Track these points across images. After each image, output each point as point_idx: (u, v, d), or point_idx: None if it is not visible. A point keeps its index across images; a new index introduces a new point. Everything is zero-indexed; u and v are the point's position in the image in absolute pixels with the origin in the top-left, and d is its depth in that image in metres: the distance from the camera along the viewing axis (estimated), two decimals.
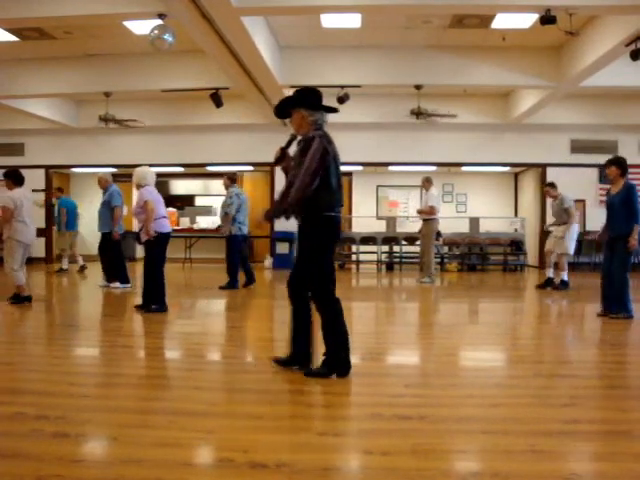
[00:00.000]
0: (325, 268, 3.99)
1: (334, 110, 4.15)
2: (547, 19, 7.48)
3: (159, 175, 17.63)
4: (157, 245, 6.92)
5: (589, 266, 13.85)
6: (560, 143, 14.25)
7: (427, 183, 10.63)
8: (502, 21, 9.27)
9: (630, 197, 6.47)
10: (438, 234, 13.96)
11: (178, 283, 11.54)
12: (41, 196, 14.91)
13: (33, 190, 14.97)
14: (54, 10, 7.74)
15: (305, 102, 4.06)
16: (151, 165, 15.67)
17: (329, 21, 9.37)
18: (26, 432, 2.94)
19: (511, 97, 13.45)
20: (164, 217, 7.04)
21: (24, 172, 15.39)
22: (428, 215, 10.45)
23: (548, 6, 7.42)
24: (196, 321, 7.10)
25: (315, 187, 3.86)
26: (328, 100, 12.78)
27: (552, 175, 14.09)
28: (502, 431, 3.04)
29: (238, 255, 9.44)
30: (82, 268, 12.55)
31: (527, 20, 9.05)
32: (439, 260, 14.12)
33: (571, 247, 9.68)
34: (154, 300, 6.90)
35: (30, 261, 13.87)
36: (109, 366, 4.50)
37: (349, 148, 14.48)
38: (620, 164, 6.67)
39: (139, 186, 7.11)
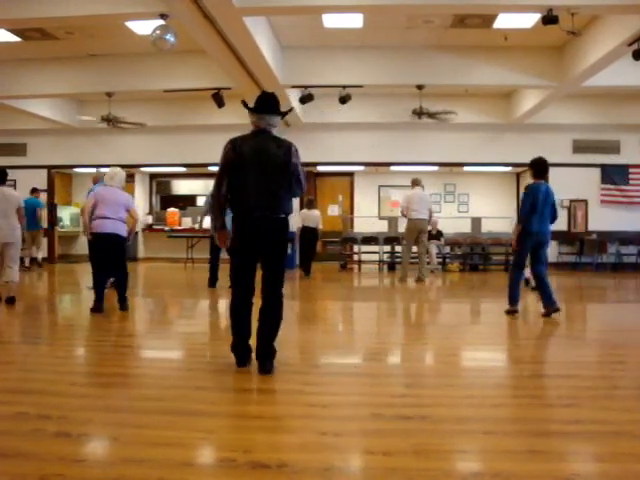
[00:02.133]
0: (232, 265, 4.17)
1: (252, 109, 4.17)
2: (549, 19, 7.47)
3: (161, 175, 17.77)
4: (92, 245, 6.82)
5: (591, 266, 13.84)
6: (562, 143, 14.22)
7: (412, 184, 10.90)
8: (504, 21, 9.26)
9: (522, 198, 6.63)
10: (439, 233, 13.98)
11: (180, 283, 11.55)
12: (43, 196, 14.93)
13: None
14: (56, 10, 7.74)
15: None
16: (153, 165, 15.78)
17: (331, 21, 9.37)
18: (28, 432, 2.94)
19: (513, 97, 13.44)
20: (103, 217, 6.67)
21: (26, 172, 15.56)
22: (404, 215, 10.85)
23: (550, 6, 7.41)
24: (197, 321, 7.10)
25: (226, 190, 4.06)
26: (330, 100, 12.76)
27: (554, 175, 14.08)
28: (503, 431, 3.04)
29: (214, 254, 9.49)
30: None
31: (529, 20, 9.05)
32: (441, 260, 14.12)
33: None
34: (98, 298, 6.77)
35: (30, 260, 13.94)
36: (109, 366, 4.51)
37: (351, 148, 14.56)
38: (532, 165, 6.69)
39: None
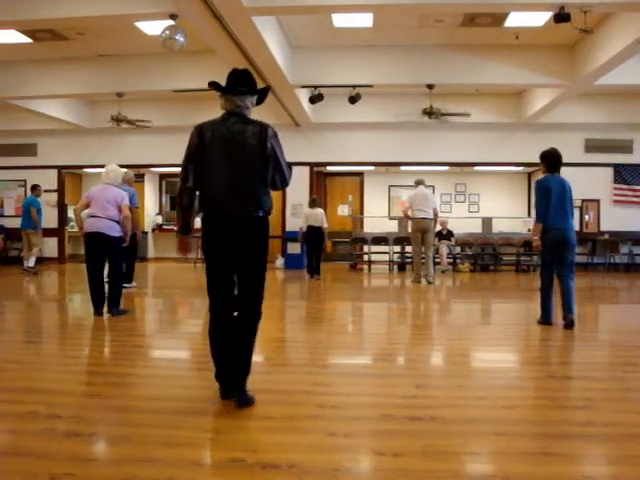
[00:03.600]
0: (207, 272, 3.54)
1: (222, 88, 3.66)
2: (561, 17, 7.41)
3: (171, 175, 17.78)
4: (84, 245, 6.71)
5: (603, 267, 13.74)
6: (574, 142, 14.12)
7: (415, 184, 10.90)
8: (515, 19, 9.20)
9: (535, 194, 6.15)
10: (450, 233, 13.93)
11: (189, 283, 11.56)
12: (53, 196, 15.03)
13: (45, 190, 15.11)
14: (66, 11, 7.77)
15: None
16: (163, 165, 15.79)
17: (341, 21, 9.36)
18: (39, 431, 2.95)
19: (524, 96, 13.37)
20: (92, 216, 6.55)
21: (37, 172, 15.65)
22: (406, 215, 10.89)
23: (562, 4, 7.35)
24: (206, 320, 7.09)
25: (191, 186, 3.56)
26: (340, 100, 12.69)
27: (566, 175, 13.99)
28: (515, 433, 3.01)
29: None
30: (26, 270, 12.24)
31: (541, 18, 8.99)
32: (451, 260, 14.04)
33: None
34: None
35: (41, 260, 14.02)
36: (120, 366, 4.52)
37: (361, 148, 14.55)
38: (543, 158, 6.18)
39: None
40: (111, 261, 6.65)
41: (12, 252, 14.95)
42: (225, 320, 3.49)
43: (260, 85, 3.72)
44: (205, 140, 3.50)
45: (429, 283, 10.53)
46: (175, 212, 2.93)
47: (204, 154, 3.51)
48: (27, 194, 15.28)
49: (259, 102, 3.71)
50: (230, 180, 3.44)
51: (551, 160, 6.14)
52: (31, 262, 12.25)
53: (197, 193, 3.58)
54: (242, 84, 3.59)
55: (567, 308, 5.89)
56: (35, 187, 12.81)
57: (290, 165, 3.64)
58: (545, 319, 6.10)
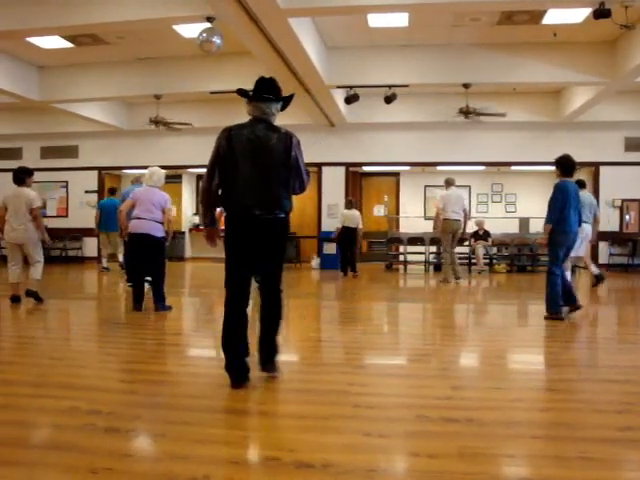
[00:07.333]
0: (226, 267, 3.83)
1: (249, 95, 3.86)
2: (601, 13, 7.26)
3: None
4: (128, 245, 6.98)
5: None
6: (614, 141, 13.82)
7: (446, 184, 10.73)
8: (553, 16, 9.05)
9: (551, 196, 6.46)
10: (487, 234, 13.76)
11: (219, 282, 11.67)
12: (94, 197, 15.36)
13: (86, 191, 15.49)
14: (107, 16, 7.97)
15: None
16: (200, 166, 15.99)
17: (376, 21, 9.35)
18: (80, 426, 3.02)
19: (562, 94, 13.13)
20: (137, 218, 6.74)
21: (78, 174, 16.01)
22: (438, 215, 10.65)
23: None
24: None
25: (217, 185, 3.78)
26: (376, 100, 12.63)
27: (606, 174, 13.74)
28: (552, 436, 2.97)
29: None
30: (104, 269, 12.69)
31: (580, 15, 8.82)
32: (488, 260, 13.85)
33: None
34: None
35: (82, 260, 14.35)
36: (156, 364, 4.60)
37: (396, 148, 14.49)
38: (558, 163, 6.53)
39: None
40: (155, 261, 6.84)
41: (54, 252, 15.32)
42: (240, 313, 3.83)
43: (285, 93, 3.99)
44: (234, 143, 3.75)
45: (446, 282, 10.54)
46: (200, 208, 3.17)
47: (232, 157, 3.74)
48: (69, 195, 15.75)
49: (283, 108, 3.98)
50: (257, 184, 3.70)
51: (568, 165, 6.50)
52: (120, 258, 12.43)
53: (219, 192, 3.82)
54: (269, 92, 3.83)
55: (574, 297, 6.50)
56: (114, 190, 12.94)
57: (308, 171, 3.92)
58: (557, 313, 6.39)
